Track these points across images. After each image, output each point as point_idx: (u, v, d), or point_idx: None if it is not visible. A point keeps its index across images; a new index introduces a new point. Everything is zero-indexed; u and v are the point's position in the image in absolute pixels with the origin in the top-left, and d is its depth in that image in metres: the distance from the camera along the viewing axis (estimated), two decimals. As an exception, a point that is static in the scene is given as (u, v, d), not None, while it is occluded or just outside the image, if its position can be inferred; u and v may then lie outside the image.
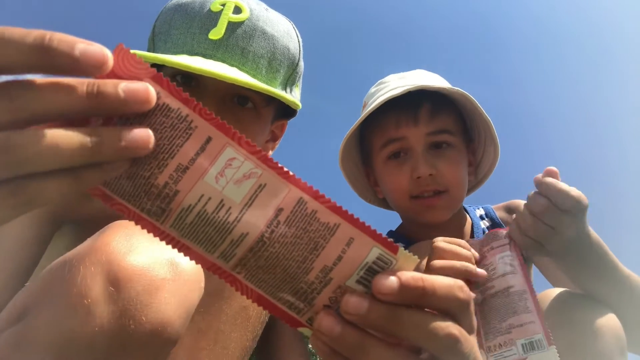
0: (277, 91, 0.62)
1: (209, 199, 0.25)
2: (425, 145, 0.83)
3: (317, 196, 0.26)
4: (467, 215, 0.95)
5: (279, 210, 0.26)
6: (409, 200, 0.84)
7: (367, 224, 0.27)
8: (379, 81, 0.96)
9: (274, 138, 0.79)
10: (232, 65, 0.61)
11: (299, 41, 0.72)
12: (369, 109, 0.82)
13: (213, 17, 0.63)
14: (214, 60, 0.60)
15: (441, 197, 0.82)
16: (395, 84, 0.88)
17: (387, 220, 1.06)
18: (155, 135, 0.25)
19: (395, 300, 0.26)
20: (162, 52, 0.62)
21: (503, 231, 0.67)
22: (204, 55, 0.61)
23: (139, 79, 0.24)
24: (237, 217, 0.26)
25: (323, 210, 0.26)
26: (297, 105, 0.68)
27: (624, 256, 0.77)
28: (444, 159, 0.83)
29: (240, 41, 0.63)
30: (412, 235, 0.91)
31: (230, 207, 0.25)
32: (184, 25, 0.63)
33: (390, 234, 0.97)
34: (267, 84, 0.64)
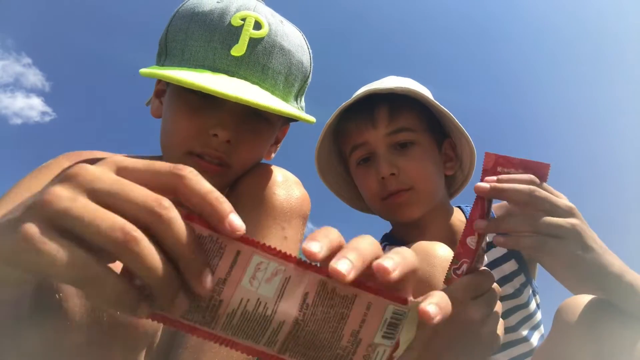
0: (300, 114, 0.65)
1: (248, 300, 0.30)
2: (387, 146, 0.84)
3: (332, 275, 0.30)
4: (463, 214, 0.93)
5: (306, 295, 0.30)
6: (380, 202, 0.86)
7: (379, 288, 0.31)
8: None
9: (277, 141, 0.80)
10: (253, 82, 0.62)
11: (310, 53, 0.73)
12: (328, 121, 0.87)
13: (234, 32, 0.62)
14: (237, 77, 0.61)
15: (406, 193, 0.82)
16: (357, 93, 0.92)
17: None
18: None
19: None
20: (179, 61, 0.64)
21: None
22: (227, 72, 0.61)
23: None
24: (273, 309, 0.30)
25: (340, 286, 0.31)
26: (313, 121, 0.69)
27: (625, 257, 0.72)
28: (406, 157, 0.83)
29: (260, 58, 0.63)
30: (402, 237, 0.92)
31: (266, 303, 0.30)
32: (204, 38, 0.62)
33: (385, 236, 0.98)
34: (283, 98, 0.66)
